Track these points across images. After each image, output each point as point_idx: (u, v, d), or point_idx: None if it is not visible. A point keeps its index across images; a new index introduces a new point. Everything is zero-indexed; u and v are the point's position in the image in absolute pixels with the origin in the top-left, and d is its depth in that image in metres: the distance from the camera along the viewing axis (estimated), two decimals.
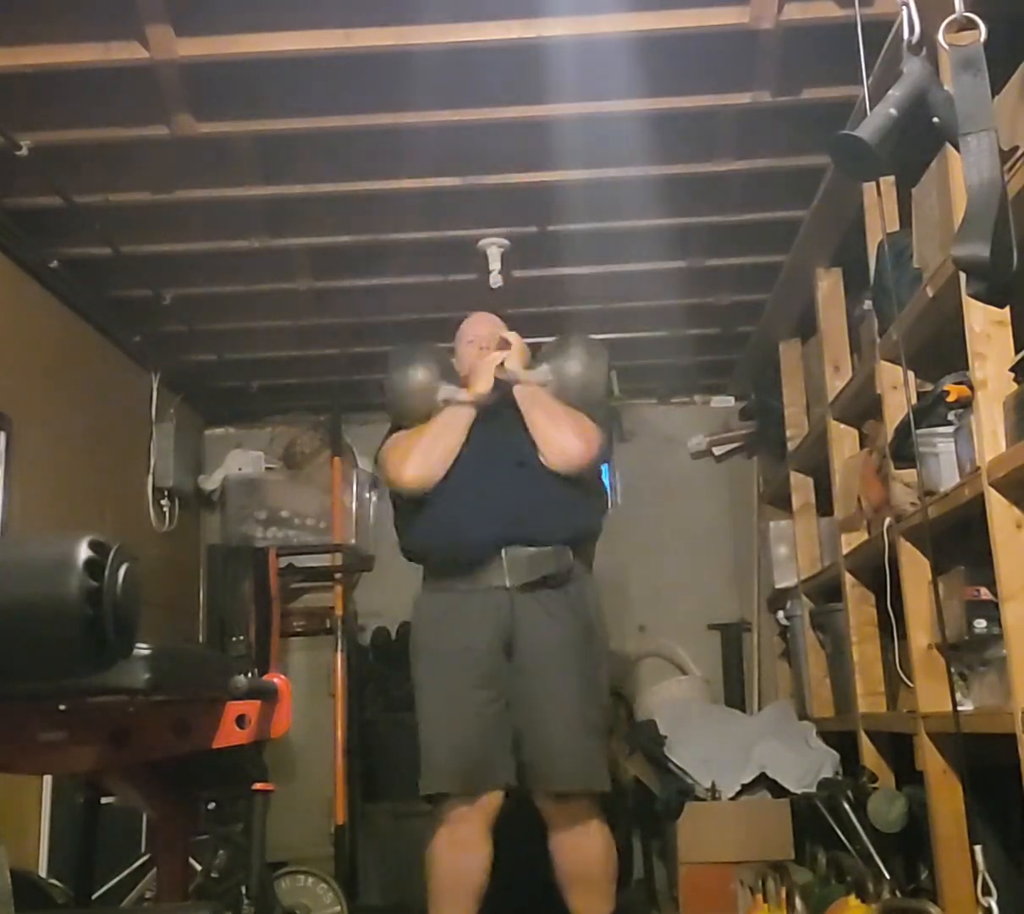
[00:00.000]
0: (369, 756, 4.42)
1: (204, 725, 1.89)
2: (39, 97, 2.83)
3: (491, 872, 2.73)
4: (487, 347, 2.99)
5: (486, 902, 2.74)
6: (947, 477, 2.48)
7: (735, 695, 4.74)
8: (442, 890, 2.71)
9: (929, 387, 2.60)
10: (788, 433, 4.28)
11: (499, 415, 2.90)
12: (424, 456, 2.83)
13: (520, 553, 2.76)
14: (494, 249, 3.61)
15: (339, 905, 3.41)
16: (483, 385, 2.89)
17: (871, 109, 1.70)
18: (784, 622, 4.48)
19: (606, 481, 3.15)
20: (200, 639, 4.71)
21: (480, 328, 3.08)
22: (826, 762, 3.57)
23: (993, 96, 1.66)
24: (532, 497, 2.80)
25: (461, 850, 2.71)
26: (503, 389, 2.91)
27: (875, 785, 3.12)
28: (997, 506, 2.16)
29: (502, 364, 2.90)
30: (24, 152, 2.91)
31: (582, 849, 2.75)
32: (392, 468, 2.89)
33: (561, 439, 2.83)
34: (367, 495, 4.93)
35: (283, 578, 4.55)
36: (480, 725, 2.72)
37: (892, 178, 2.84)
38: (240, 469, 4.92)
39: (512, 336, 2.96)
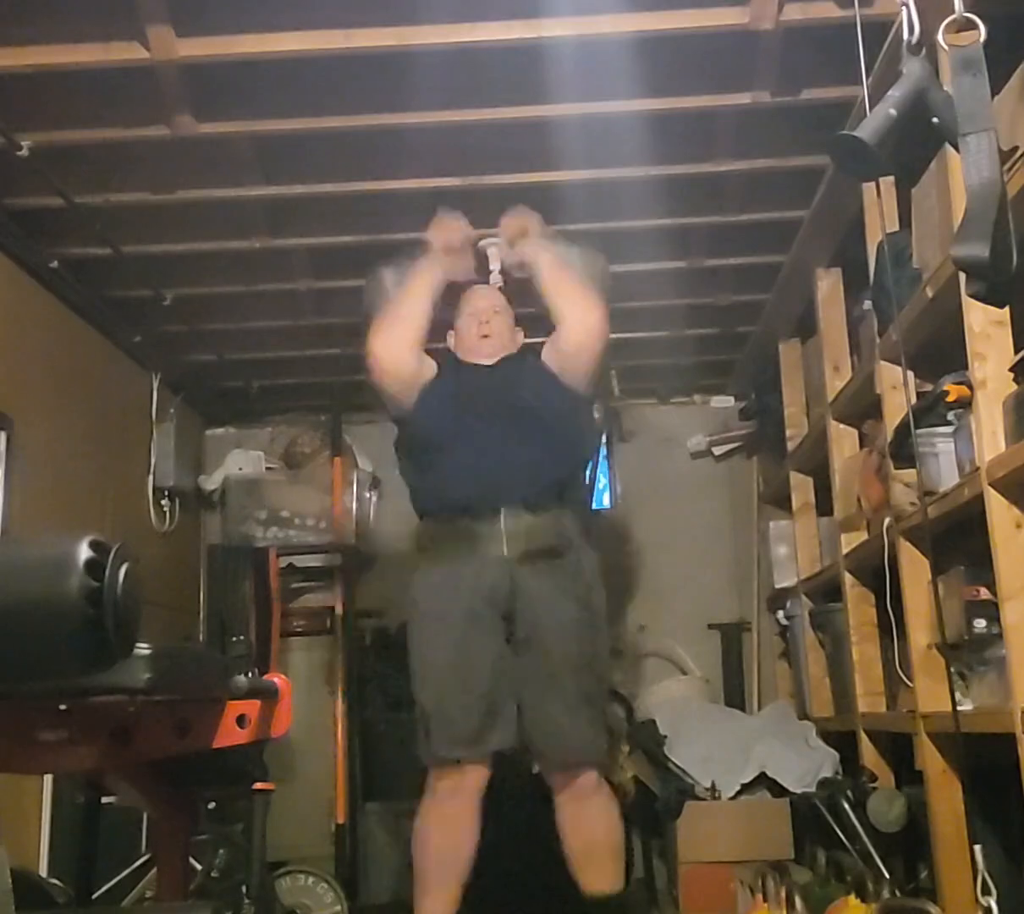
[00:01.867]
0: (369, 756, 4.43)
1: (204, 725, 1.89)
2: (39, 97, 2.83)
3: (478, 849, 2.73)
4: (487, 321, 2.99)
5: (473, 879, 2.74)
6: (947, 477, 2.48)
7: (735, 695, 4.74)
8: (429, 866, 2.72)
9: (929, 387, 2.60)
10: (788, 433, 4.29)
11: (499, 372, 2.89)
12: (389, 328, 2.85)
13: (519, 519, 2.74)
14: (494, 249, 3.60)
15: (339, 905, 3.41)
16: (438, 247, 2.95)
17: (871, 109, 1.70)
18: (784, 622, 4.48)
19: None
20: (200, 639, 4.71)
21: (480, 301, 3.07)
22: (826, 762, 3.57)
23: (993, 96, 1.66)
24: (530, 456, 2.78)
25: (448, 825, 2.72)
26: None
27: (875, 785, 3.12)
28: (997, 506, 2.16)
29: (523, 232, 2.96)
30: (24, 152, 2.90)
31: (587, 818, 2.76)
32: (368, 352, 2.88)
33: (589, 309, 2.83)
34: (367, 495, 4.93)
35: (283, 578, 4.55)
36: (484, 683, 2.69)
37: (892, 178, 2.84)
38: (240, 469, 4.91)
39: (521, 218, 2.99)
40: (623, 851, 2.82)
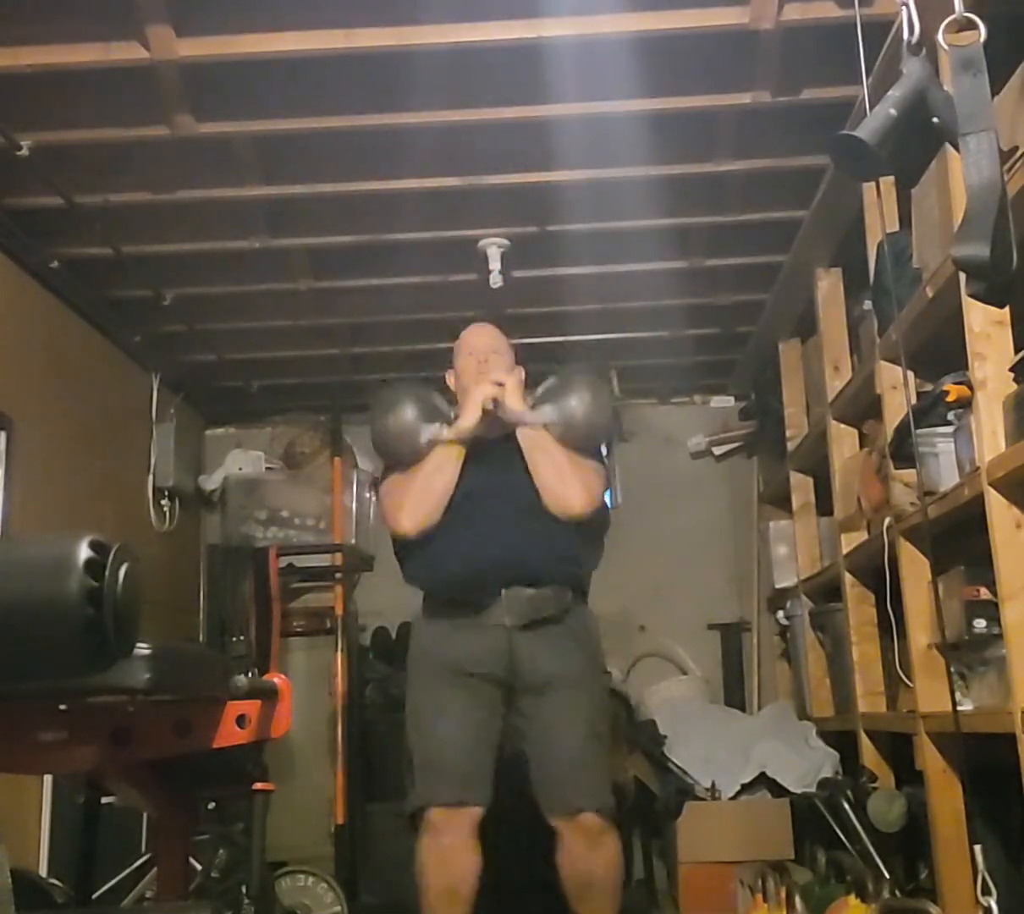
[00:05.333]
0: (369, 756, 4.42)
1: (204, 725, 1.89)
2: (39, 97, 2.83)
3: (485, 879, 2.71)
4: (484, 360, 2.93)
5: (479, 910, 2.73)
6: (947, 477, 2.48)
7: (735, 695, 4.74)
8: (433, 901, 2.70)
9: (929, 387, 2.60)
10: (788, 433, 4.29)
11: (501, 451, 2.85)
12: (417, 503, 2.79)
13: (520, 594, 2.73)
14: (494, 249, 3.61)
15: (339, 905, 3.40)
16: (468, 420, 2.82)
17: (871, 109, 1.70)
18: (784, 622, 4.48)
19: (607, 502, 3.10)
20: (200, 639, 4.71)
21: (477, 340, 3.01)
22: (826, 762, 3.58)
23: (993, 96, 1.66)
24: (532, 537, 2.77)
25: (448, 860, 2.69)
26: (504, 429, 2.85)
27: (875, 785, 3.12)
28: (997, 506, 2.16)
29: (498, 402, 2.82)
30: (24, 152, 2.91)
31: (591, 861, 2.73)
32: (389, 517, 2.86)
33: (564, 489, 2.78)
34: (367, 495, 4.92)
35: (283, 578, 4.55)
36: (474, 744, 2.71)
37: (892, 178, 2.84)
38: (240, 469, 4.92)
39: (505, 376, 2.88)
40: (620, 888, 2.80)
